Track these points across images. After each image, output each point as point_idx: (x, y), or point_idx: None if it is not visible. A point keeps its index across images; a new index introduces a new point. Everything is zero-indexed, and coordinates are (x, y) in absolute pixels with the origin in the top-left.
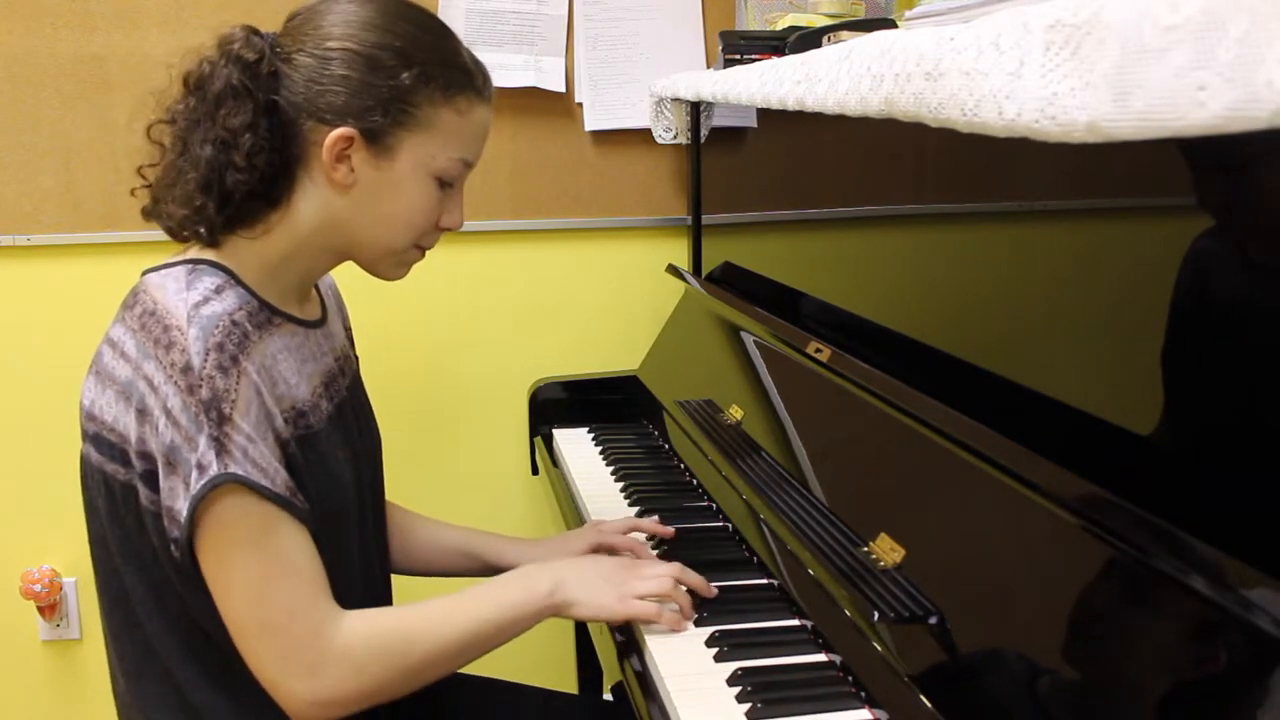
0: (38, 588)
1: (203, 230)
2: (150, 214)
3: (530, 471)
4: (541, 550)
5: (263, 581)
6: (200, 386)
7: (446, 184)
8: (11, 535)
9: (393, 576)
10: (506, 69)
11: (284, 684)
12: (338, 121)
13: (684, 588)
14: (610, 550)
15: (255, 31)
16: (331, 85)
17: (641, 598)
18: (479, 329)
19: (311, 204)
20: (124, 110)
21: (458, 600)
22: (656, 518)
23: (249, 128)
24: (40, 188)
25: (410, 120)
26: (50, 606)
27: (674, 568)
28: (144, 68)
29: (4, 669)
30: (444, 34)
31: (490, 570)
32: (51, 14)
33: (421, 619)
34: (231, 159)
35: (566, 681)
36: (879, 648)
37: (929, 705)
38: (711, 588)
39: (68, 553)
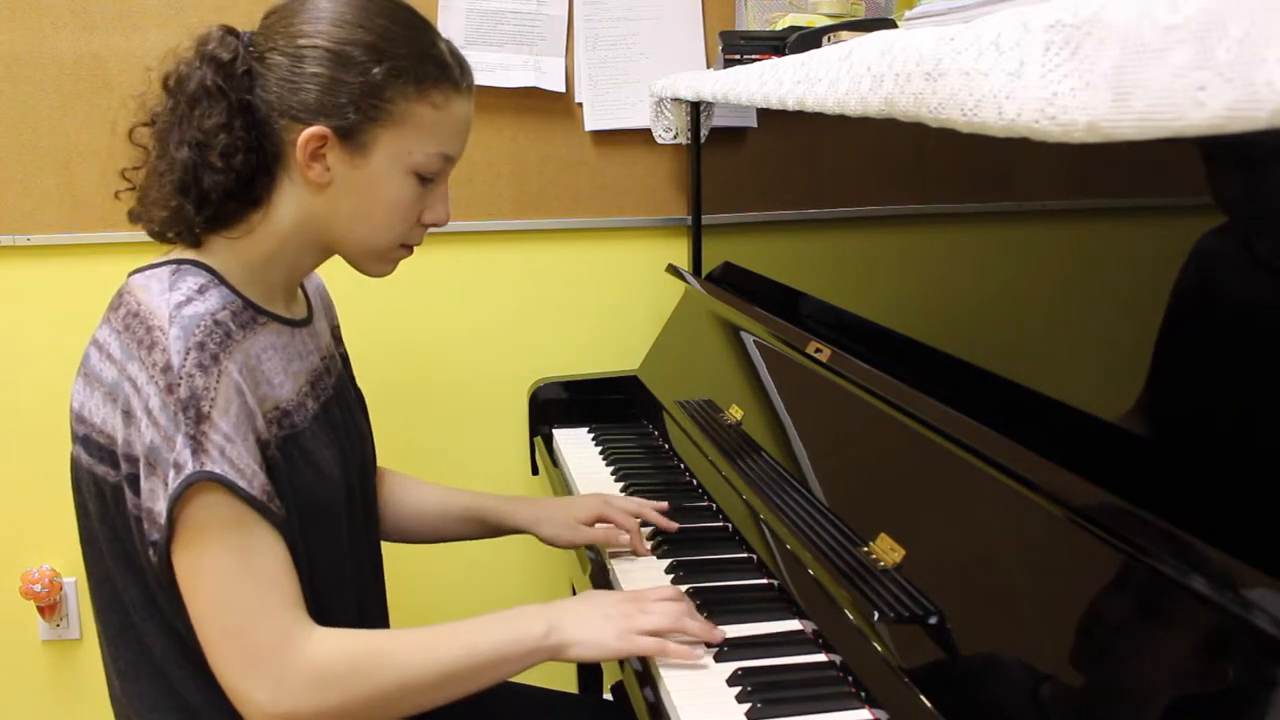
0: (38, 588)
1: (183, 232)
2: (135, 217)
3: (530, 471)
4: (545, 510)
5: (229, 584)
6: (179, 385)
7: (427, 180)
8: (11, 535)
9: (388, 582)
10: (506, 69)
11: (245, 693)
12: (311, 120)
13: (691, 618)
14: (609, 522)
15: (231, 31)
16: (304, 83)
17: (646, 633)
18: (479, 329)
19: (291, 203)
20: (124, 110)
21: (443, 630)
22: (666, 505)
23: (223, 128)
24: (40, 188)
25: (384, 116)
26: (50, 606)
27: (683, 605)
28: (144, 68)
29: (4, 669)
30: (419, 27)
31: (496, 532)
32: (51, 14)
33: (399, 643)
34: (207, 160)
35: (566, 681)
36: (879, 648)
37: (929, 705)
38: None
39: (68, 553)
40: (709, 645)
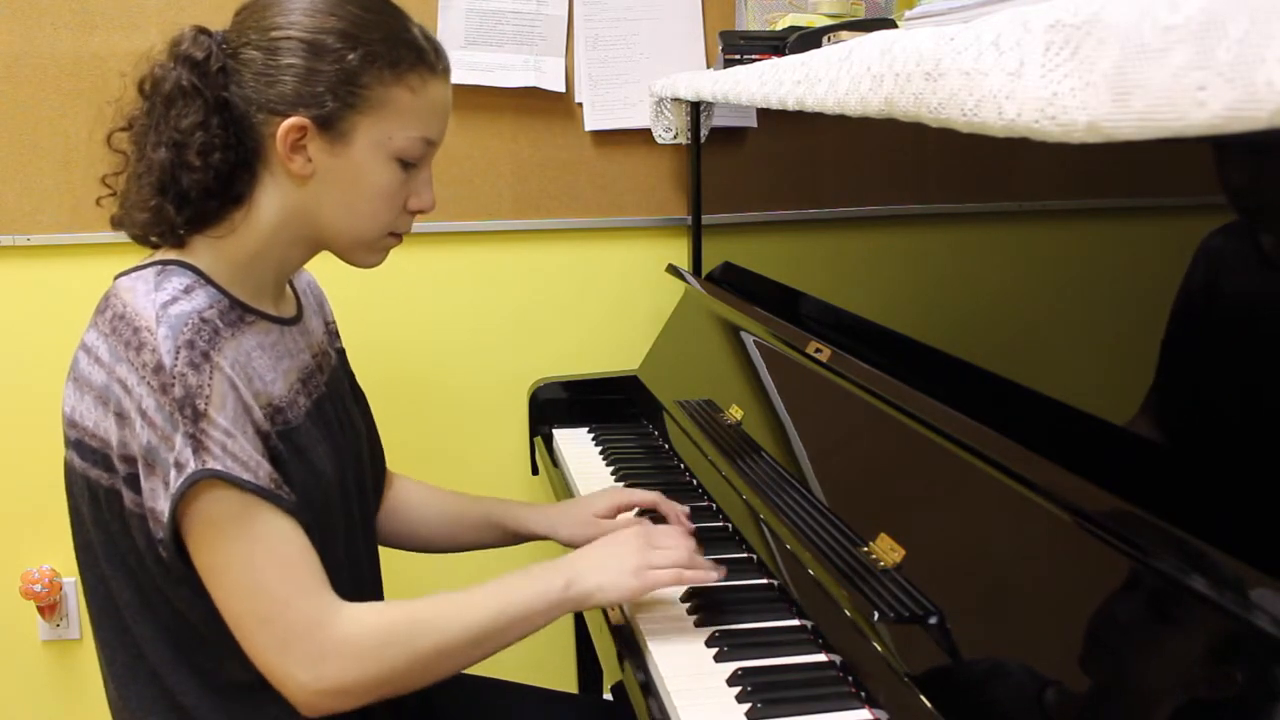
0: (38, 588)
1: (165, 233)
2: (117, 222)
3: (530, 471)
4: (561, 513)
5: (254, 573)
6: (173, 385)
7: (410, 165)
8: (11, 535)
9: (384, 582)
10: (506, 69)
11: (288, 674)
12: (289, 111)
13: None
14: (632, 507)
15: (204, 30)
16: (280, 75)
17: (659, 566)
18: (479, 329)
19: (274, 198)
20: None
21: (469, 593)
22: (685, 516)
23: (200, 126)
24: (40, 188)
25: (361, 102)
26: (50, 606)
27: (689, 537)
28: (144, 66)
29: (4, 669)
30: (390, 12)
31: (513, 539)
32: (51, 14)
33: (430, 609)
34: (185, 159)
35: (566, 681)
36: (879, 648)
37: (929, 705)
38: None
39: (68, 553)
40: (707, 643)
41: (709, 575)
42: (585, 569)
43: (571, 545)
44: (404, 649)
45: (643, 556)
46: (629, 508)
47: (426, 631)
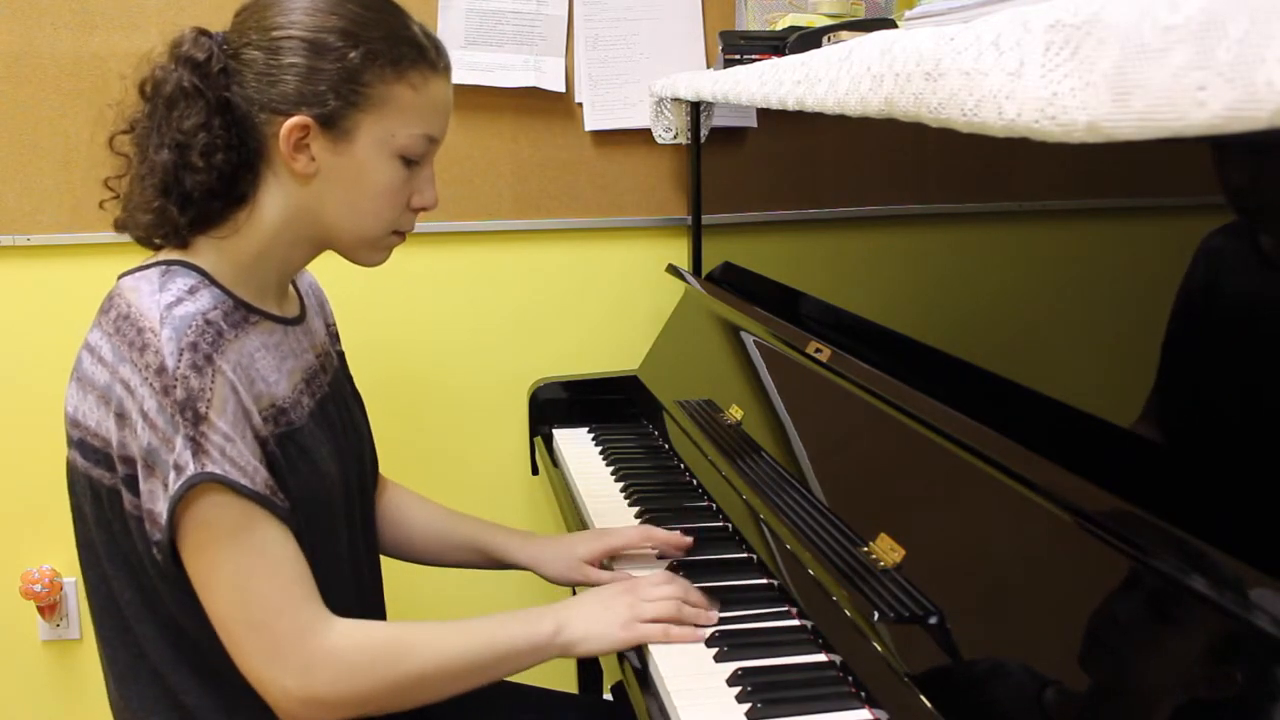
0: (38, 588)
1: (169, 234)
2: (121, 225)
3: (530, 471)
4: (547, 549)
5: (246, 579)
6: (175, 387)
7: (412, 162)
8: (11, 535)
9: (385, 583)
10: (506, 69)
11: (275, 680)
12: (292, 110)
13: (689, 606)
14: (616, 553)
15: (204, 32)
16: (282, 74)
17: (648, 620)
18: (479, 329)
19: (277, 198)
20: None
21: (460, 625)
22: (679, 535)
23: (202, 127)
24: (40, 188)
25: (364, 100)
26: (50, 606)
27: (678, 588)
28: (144, 68)
29: (4, 669)
30: (391, 10)
31: (497, 566)
32: (51, 14)
33: (419, 635)
34: (188, 160)
35: (566, 681)
36: (879, 648)
37: (929, 705)
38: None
39: (68, 553)
40: (708, 643)
41: (698, 633)
42: (574, 618)
43: (554, 583)
44: (389, 670)
45: (632, 611)
46: (613, 553)
47: (412, 655)
